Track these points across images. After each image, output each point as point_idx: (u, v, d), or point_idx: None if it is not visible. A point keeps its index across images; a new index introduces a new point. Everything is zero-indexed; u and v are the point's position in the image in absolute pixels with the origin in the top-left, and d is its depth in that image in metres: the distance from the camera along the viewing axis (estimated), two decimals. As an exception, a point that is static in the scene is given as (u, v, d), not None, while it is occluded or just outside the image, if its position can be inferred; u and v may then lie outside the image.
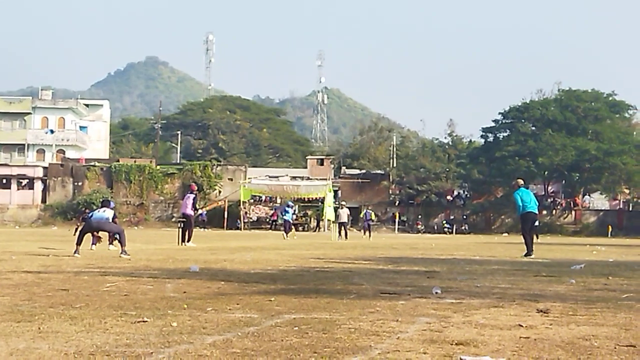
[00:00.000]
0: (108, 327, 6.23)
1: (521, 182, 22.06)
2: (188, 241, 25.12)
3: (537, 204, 21.89)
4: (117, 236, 17.77)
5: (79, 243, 17.40)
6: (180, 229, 25.94)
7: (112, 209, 18.60)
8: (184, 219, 26.04)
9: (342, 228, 40.40)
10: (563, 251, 26.19)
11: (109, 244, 20.76)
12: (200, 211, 35.75)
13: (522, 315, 7.28)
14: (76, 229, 18.55)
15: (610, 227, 68.70)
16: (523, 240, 21.16)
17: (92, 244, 20.63)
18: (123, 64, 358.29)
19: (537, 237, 42.19)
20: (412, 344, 5.60)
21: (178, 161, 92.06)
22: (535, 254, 20.61)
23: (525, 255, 20.31)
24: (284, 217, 41.43)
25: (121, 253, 16.83)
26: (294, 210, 42.10)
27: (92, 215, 18.09)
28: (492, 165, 75.13)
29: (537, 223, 41.60)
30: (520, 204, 21.08)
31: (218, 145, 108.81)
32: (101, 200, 23.51)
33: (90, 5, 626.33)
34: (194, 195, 26.62)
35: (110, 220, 17.92)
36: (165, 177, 74.65)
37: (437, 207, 75.03)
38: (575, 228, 71.90)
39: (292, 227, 41.84)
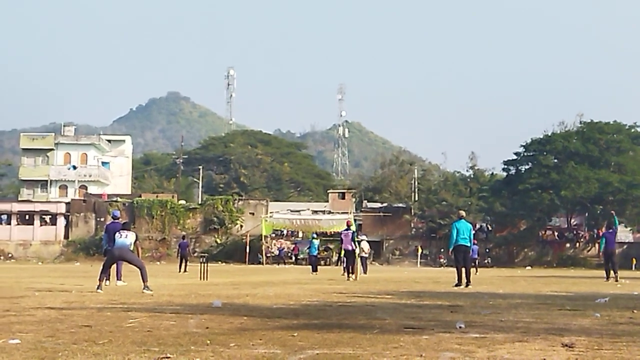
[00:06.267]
0: (131, 363, 6.23)
1: (462, 213, 23.00)
2: (352, 273, 26.93)
3: (471, 238, 22.34)
4: (139, 270, 17.68)
5: (101, 279, 17.39)
6: (344, 264, 28.51)
7: (130, 229, 18.46)
8: (347, 255, 27.67)
9: (363, 262, 40.16)
10: (587, 284, 25.96)
11: (117, 279, 20.94)
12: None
13: (547, 350, 7.21)
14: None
15: (634, 260, 68.00)
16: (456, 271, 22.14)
17: (117, 279, 20.86)
18: (145, 99, 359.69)
19: (477, 271, 40.59)
20: (436, 379, 5.56)
21: (200, 196, 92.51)
22: (559, 287, 20.48)
23: (455, 286, 21.29)
24: (310, 252, 41.30)
25: (144, 289, 16.80)
26: (317, 244, 41.71)
27: (114, 242, 17.96)
28: (514, 198, 74.90)
29: (476, 256, 41.34)
30: (455, 237, 21.74)
31: (239, 180, 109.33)
32: (112, 217, 23.29)
33: (112, 42, 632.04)
34: (352, 230, 27.38)
35: (133, 244, 17.76)
36: (187, 212, 74.98)
37: (459, 241, 74.52)
38: (599, 261, 71.13)
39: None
